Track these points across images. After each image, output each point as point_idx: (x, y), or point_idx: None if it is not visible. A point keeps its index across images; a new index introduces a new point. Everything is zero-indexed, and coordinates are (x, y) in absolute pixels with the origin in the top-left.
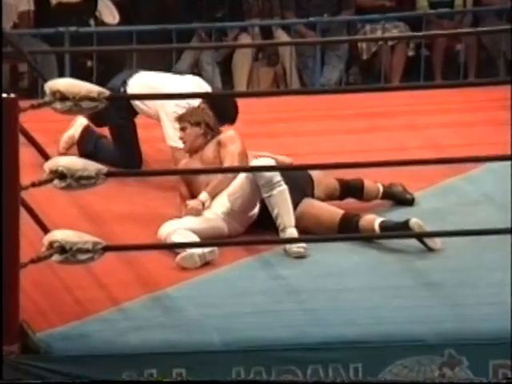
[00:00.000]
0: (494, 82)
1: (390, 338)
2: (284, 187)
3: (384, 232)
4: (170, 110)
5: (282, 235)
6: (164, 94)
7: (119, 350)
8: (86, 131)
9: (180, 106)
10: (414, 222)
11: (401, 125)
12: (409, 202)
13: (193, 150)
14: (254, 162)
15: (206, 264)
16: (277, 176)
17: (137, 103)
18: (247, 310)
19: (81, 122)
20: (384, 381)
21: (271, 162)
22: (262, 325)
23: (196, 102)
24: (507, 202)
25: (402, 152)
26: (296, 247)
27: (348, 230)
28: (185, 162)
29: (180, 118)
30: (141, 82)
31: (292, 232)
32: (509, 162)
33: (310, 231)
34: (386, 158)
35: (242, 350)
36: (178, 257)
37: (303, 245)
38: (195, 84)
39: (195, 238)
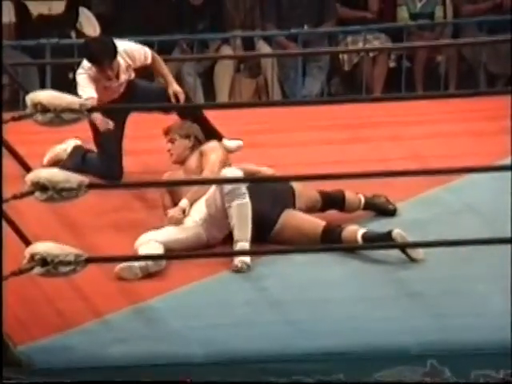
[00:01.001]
0: (474, 93)
1: (373, 349)
2: (245, 200)
3: (367, 243)
4: (78, 79)
5: (234, 248)
6: (149, 106)
7: (102, 363)
8: (77, 148)
9: (84, 70)
10: (397, 232)
11: (383, 136)
12: (391, 212)
13: (179, 162)
14: (224, 172)
15: (153, 275)
16: (240, 188)
17: None
18: (230, 321)
19: (75, 142)
20: (384, 381)
21: (238, 173)
22: (245, 336)
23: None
24: (489, 212)
25: (385, 163)
26: (238, 261)
27: (330, 241)
28: (169, 174)
29: (169, 130)
30: None
31: (243, 246)
32: (489, 174)
33: (292, 243)
34: (368, 169)
35: (225, 362)
36: (117, 267)
37: (246, 260)
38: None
39: (160, 250)
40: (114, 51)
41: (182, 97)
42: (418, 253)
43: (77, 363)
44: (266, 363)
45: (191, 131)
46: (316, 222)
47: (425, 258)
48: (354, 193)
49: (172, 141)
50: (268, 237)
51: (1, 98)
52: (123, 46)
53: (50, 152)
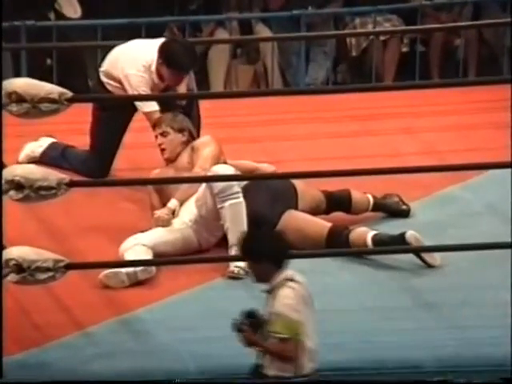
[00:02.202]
0: (496, 80)
1: (384, 365)
2: (239, 200)
3: (377, 246)
4: (133, 79)
5: (229, 252)
6: (143, 95)
7: (84, 380)
8: (54, 144)
9: (139, 71)
10: (411, 234)
11: (394, 128)
12: (404, 213)
13: (172, 159)
14: (214, 169)
15: (140, 283)
16: (233, 187)
17: (105, 80)
18: (225, 333)
19: (50, 139)
20: (384, 380)
21: (230, 170)
22: (242, 350)
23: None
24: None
25: (397, 158)
26: (234, 266)
27: (337, 244)
28: (159, 171)
29: (160, 122)
30: (110, 55)
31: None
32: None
33: (295, 246)
34: (378, 165)
35: (220, 379)
36: (102, 274)
37: (243, 265)
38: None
39: (148, 255)
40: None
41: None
42: (435, 258)
43: (55, 380)
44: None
45: (185, 125)
46: (321, 224)
47: (441, 263)
48: (362, 192)
49: (165, 134)
50: None
51: (0, 95)
52: None
53: (25, 149)
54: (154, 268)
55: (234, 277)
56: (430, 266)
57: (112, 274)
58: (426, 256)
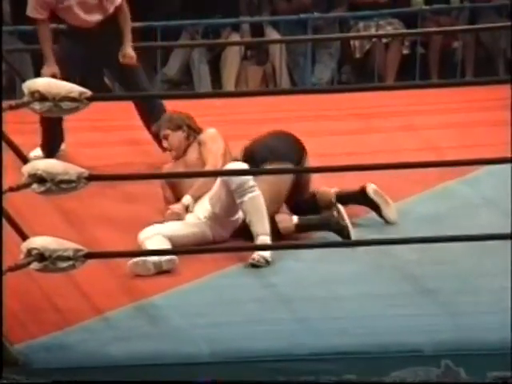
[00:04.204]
0: (492, 80)
1: (385, 349)
2: (257, 193)
3: (341, 201)
4: None
5: (256, 242)
6: (149, 94)
7: (102, 362)
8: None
9: None
10: (370, 187)
11: (396, 126)
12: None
13: (180, 155)
14: (229, 166)
15: (165, 272)
16: (249, 181)
17: None
18: (237, 319)
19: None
20: (384, 381)
21: (244, 167)
22: (253, 335)
23: None
24: (508, 206)
25: (397, 154)
26: (257, 254)
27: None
28: (169, 166)
29: (158, 130)
30: None
31: (263, 239)
32: (509, 164)
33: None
34: (380, 161)
35: (232, 361)
36: (130, 262)
37: (265, 255)
38: None
39: (168, 245)
40: None
41: (131, 62)
42: (394, 214)
43: (76, 362)
44: (274, 362)
45: (181, 121)
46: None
47: (434, 249)
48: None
49: (166, 137)
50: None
51: (1, 91)
52: None
53: (34, 151)
54: (177, 259)
55: (255, 264)
56: (389, 222)
57: (141, 262)
58: (386, 213)
